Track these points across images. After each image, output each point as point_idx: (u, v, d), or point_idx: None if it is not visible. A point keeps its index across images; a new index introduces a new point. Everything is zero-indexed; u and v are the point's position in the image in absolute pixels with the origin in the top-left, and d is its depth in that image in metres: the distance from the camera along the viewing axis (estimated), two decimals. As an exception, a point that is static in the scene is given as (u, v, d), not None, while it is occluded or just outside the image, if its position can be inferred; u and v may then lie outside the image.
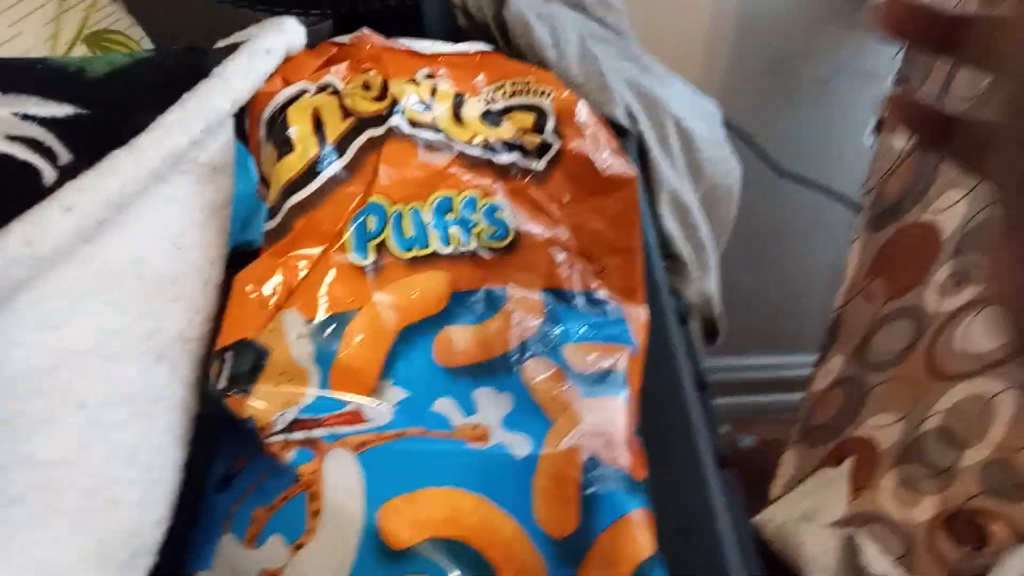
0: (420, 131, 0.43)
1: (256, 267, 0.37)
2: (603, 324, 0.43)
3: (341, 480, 0.33)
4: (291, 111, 0.41)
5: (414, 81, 0.45)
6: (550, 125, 0.48)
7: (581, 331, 0.42)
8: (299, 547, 0.32)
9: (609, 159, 0.48)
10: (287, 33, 0.40)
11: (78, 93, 0.33)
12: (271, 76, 0.41)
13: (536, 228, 0.45)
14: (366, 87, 0.44)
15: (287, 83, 0.42)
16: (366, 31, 0.47)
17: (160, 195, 0.34)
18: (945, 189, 0.88)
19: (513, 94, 0.50)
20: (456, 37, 0.70)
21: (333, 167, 0.40)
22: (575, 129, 0.48)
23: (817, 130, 1.12)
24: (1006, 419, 1.10)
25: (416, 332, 0.39)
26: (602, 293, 0.45)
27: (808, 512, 1.12)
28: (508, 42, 0.71)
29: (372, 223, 0.40)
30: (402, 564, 0.32)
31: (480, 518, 0.34)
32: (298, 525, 0.32)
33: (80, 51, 0.48)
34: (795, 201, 1.16)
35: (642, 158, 0.69)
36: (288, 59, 0.43)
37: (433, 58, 0.49)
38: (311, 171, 0.40)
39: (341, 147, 0.41)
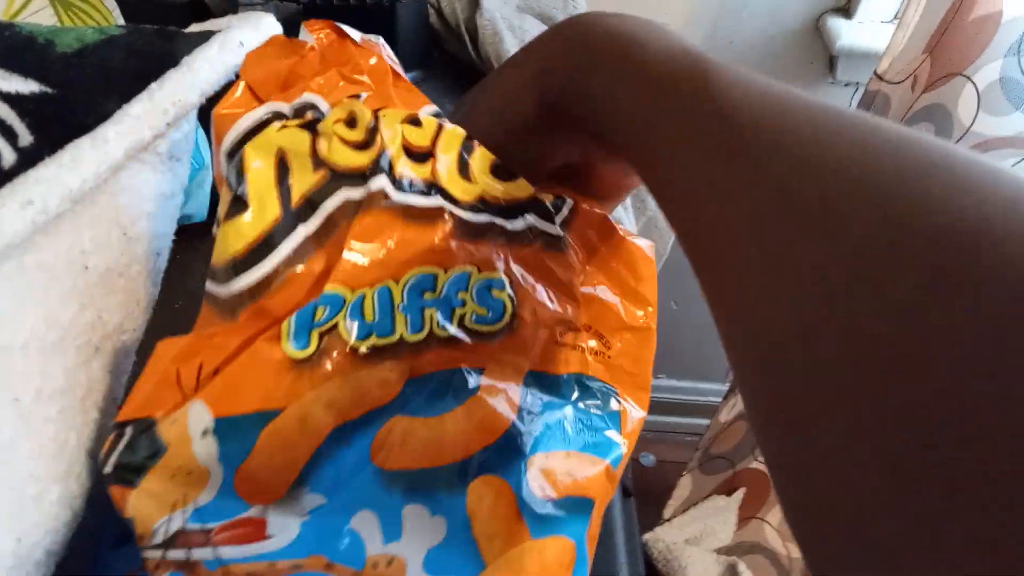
0: (411, 196, 0.32)
1: (182, 342, 0.30)
2: (588, 424, 0.35)
3: None
4: (250, 151, 0.31)
5: (415, 121, 0.34)
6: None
7: (557, 436, 0.34)
8: None
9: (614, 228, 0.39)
10: (263, 30, 0.39)
11: (45, 69, 0.31)
12: (236, 86, 0.33)
13: (544, 305, 0.36)
14: (350, 123, 0.33)
15: (256, 96, 0.33)
16: (372, 37, 0.39)
17: (115, 184, 0.33)
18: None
19: None
20: (428, 38, 0.70)
21: (294, 239, 0.31)
22: None
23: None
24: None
25: (354, 428, 0.31)
26: (599, 381, 0.37)
27: (696, 536, 1.16)
28: (477, 48, 0.72)
29: (321, 313, 0.31)
30: None
31: None
32: None
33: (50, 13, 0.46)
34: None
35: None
36: (260, 55, 0.35)
37: None
38: (266, 243, 0.30)
39: (307, 210, 0.31)
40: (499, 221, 0.34)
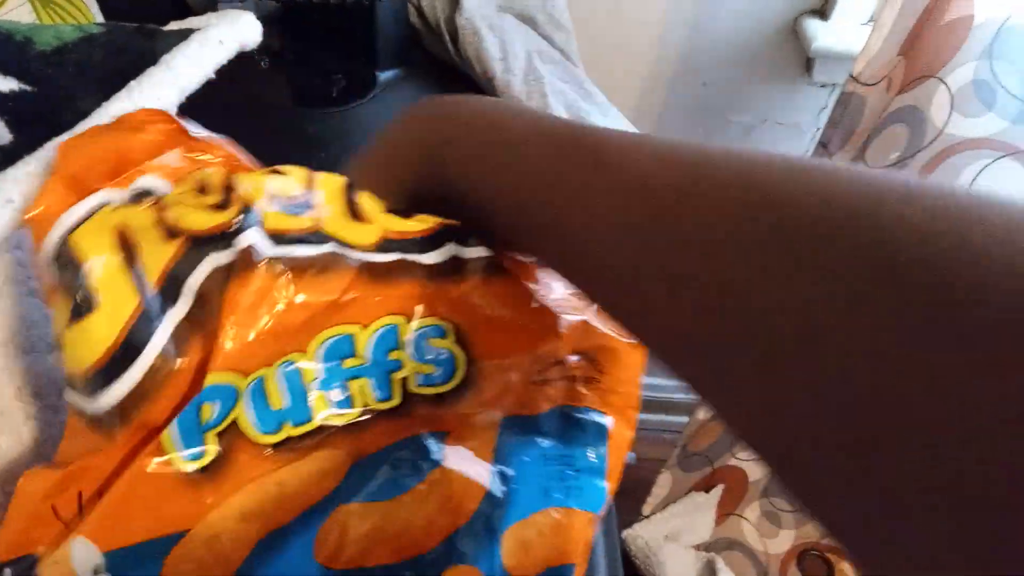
0: (293, 247, 0.26)
1: (52, 476, 0.25)
2: (573, 466, 0.30)
3: None
4: (80, 240, 0.25)
5: (276, 170, 0.29)
6: None
7: (537, 493, 0.29)
8: None
9: None
10: (242, 28, 0.39)
11: (24, 67, 0.32)
12: (53, 183, 0.27)
13: (508, 343, 0.30)
14: (201, 190, 0.27)
15: (75, 190, 0.27)
16: (217, 137, 0.33)
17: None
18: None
19: None
20: (408, 37, 0.70)
21: (164, 329, 0.24)
22: None
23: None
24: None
25: (291, 529, 0.26)
26: (588, 410, 0.32)
27: (674, 532, 1.17)
28: (457, 47, 0.72)
29: (209, 411, 0.25)
30: None
31: None
32: None
33: (28, 10, 0.46)
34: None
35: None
36: (75, 144, 0.28)
37: None
38: (129, 343, 0.24)
39: (171, 290, 0.25)
40: (412, 257, 0.28)
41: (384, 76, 0.65)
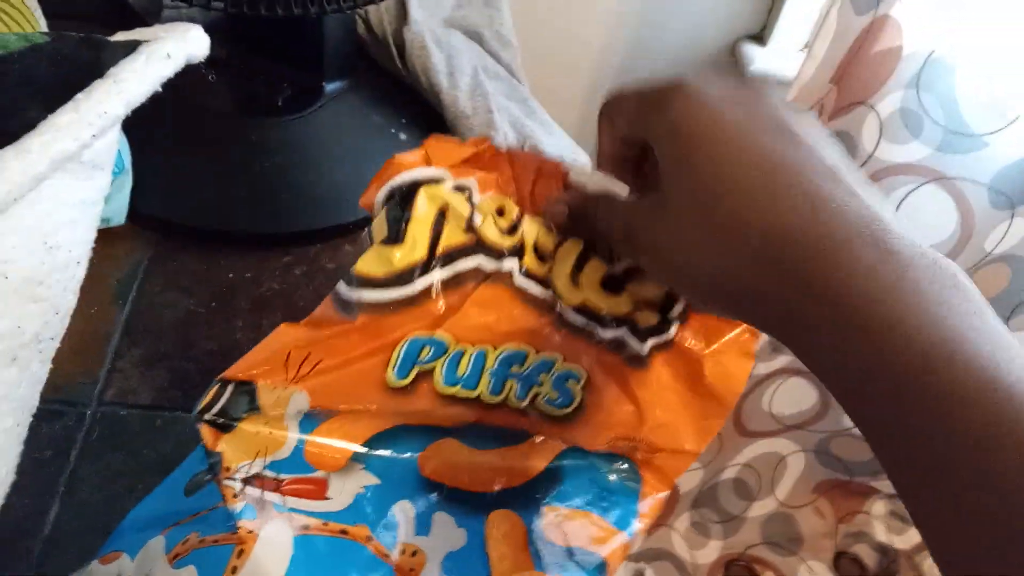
0: (531, 284, 0.38)
1: (306, 328, 0.36)
2: (611, 491, 0.40)
3: (271, 553, 0.33)
4: (425, 194, 0.36)
5: (548, 227, 0.39)
6: (679, 308, 0.39)
7: (580, 499, 0.39)
8: None
9: (718, 373, 0.40)
10: (190, 42, 0.39)
11: (-33, 76, 0.31)
12: (415, 150, 0.38)
13: (610, 412, 0.40)
14: (500, 212, 0.38)
15: (428, 162, 0.38)
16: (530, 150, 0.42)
17: (37, 192, 0.33)
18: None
19: None
20: (355, 48, 0.70)
21: (426, 280, 0.36)
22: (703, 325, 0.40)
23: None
24: (793, 478, 1.20)
25: (417, 431, 0.38)
26: (633, 466, 0.41)
27: (607, 542, 1.18)
28: (404, 60, 0.72)
29: (427, 352, 0.37)
30: None
31: None
32: (216, 570, 0.32)
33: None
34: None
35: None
36: (436, 141, 0.39)
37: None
38: (404, 277, 0.36)
39: (447, 260, 0.37)
40: (594, 327, 0.39)
41: (331, 87, 0.65)
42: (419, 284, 0.36)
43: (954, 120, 0.80)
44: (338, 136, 0.64)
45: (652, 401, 0.40)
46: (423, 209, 0.36)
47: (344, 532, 0.35)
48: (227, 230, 0.58)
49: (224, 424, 0.35)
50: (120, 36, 0.39)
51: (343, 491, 0.36)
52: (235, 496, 0.34)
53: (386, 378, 0.36)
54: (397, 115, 0.70)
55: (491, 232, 0.38)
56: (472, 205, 0.37)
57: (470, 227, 0.37)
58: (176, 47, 0.39)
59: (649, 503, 0.40)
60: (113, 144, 0.38)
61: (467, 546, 0.37)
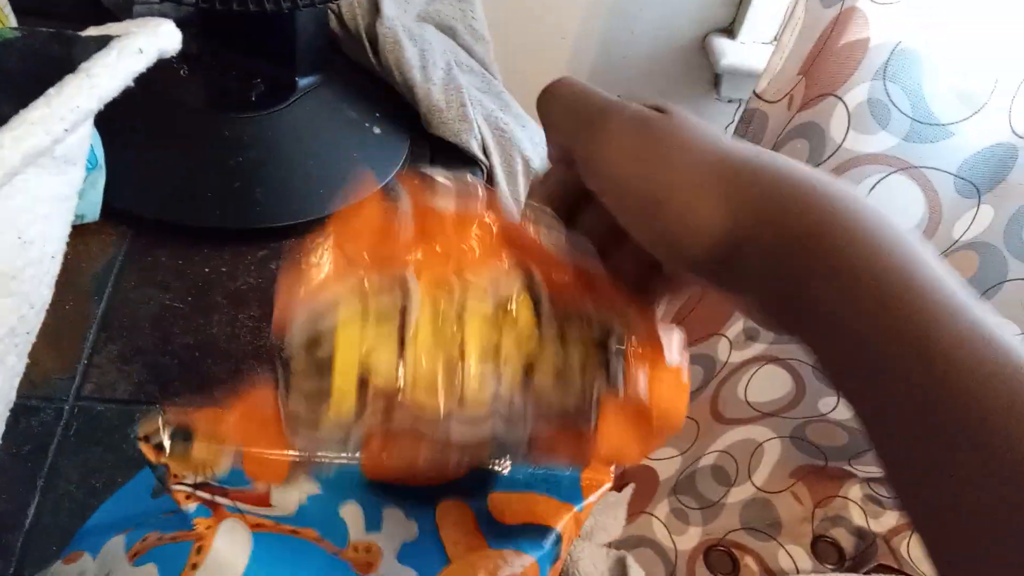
0: (465, 429, 0.34)
1: (247, 423, 0.34)
2: (555, 478, 0.40)
3: (229, 547, 0.34)
4: (344, 360, 0.31)
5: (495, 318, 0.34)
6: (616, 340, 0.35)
7: (520, 483, 0.39)
8: None
9: (662, 412, 0.36)
10: (162, 37, 0.39)
11: (-62, 73, 0.31)
12: (324, 241, 0.32)
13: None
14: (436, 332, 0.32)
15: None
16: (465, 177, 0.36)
17: (10, 187, 0.33)
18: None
19: None
20: (327, 43, 0.70)
21: (357, 432, 0.32)
22: None
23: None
24: (771, 464, 1.22)
25: None
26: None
27: (587, 531, 1.20)
28: (377, 54, 0.73)
29: None
30: None
31: None
32: (176, 568, 0.33)
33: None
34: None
35: (488, 190, 0.73)
36: (344, 223, 0.34)
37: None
38: (336, 434, 0.32)
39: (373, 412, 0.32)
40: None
41: (304, 82, 0.65)
42: (352, 440, 0.32)
43: (920, 110, 0.82)
44: (312, 131, 0.65)
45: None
46: (342, 388, 0.31)
47: (295, 532, 0.36)
48: (201, 225, 0.58)
49: (162, 449, 0.35)
50: (91, 31, 0.39)
51: (286, 501, 0.37)
52: (187, 498, 0.35)
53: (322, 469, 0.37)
54: (371, 110, 0.70)
55: (422, 393, 0.32)
56: (400, 347, 0.31)
57: (398, 390, 0.32)
58: (148, 42, 0.39)
59: (592, 491, 0.40)
60: (86, 139, 0.38)
61: (420, 536, 0.37)
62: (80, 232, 0.57)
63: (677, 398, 0.36)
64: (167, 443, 0.35)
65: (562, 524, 0.39)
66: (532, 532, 0.38)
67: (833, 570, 1.25)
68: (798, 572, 1.24)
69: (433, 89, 0.71)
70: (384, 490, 0.38)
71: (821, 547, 1.26)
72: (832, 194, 0.26)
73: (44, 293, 0.37)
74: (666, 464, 1.21)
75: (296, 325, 0.31)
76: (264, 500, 0.36)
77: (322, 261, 0.33)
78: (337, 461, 0.36)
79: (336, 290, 0.32)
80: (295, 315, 0.31)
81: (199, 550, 0.33)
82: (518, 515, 0.38)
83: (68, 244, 0.39)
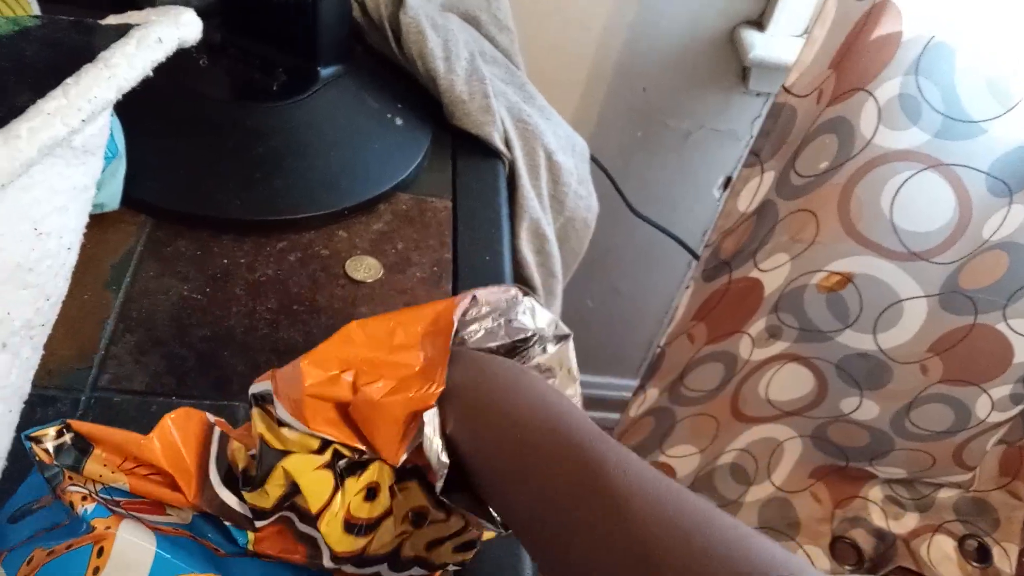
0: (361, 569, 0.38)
1: (156, 456, 0.35)
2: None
3: (133, 546, 0.32)
4: (276, 473, 0.34)
5: (422, 516, 0.38)
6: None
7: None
8: None
9: None
10: (182, 26, 0.39)
11: (-45, 61, 0.31)
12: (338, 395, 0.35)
13: None
14: (370, 493, 0.36)
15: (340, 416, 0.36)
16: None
17: (26, 177, 0.33)
18: (773, 252, 0.95)
19: None
20: (350, 32, 0.70)
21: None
22: None
23: (672, 177, 1.19)
24: (790, 464, 1.21)
25: None
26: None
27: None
28: (400, 44, 0.72)
29: None
30: None
31: None
32: None
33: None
34: (642, 239, 1.23)
35: (510, 183, 0.72)
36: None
37: None
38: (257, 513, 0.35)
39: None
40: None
41: (326, 72, 0.65)
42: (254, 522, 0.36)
43: (953, 106, 0.80)
44: (333, 122, 0.64)
45: None
46: (277, 483, 0.35)
47: (194, 539, 0.35)
48: (221, 216, 0.58)
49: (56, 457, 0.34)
50: (111, 20, 0.39)
51: (181, 512, 0.35)
52: (84, 499, 0.33)
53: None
54: (393, 100, 0.70)
55: (335, 534, 0.35)
56: (337, 485, 0.35)
57: (315, 522, 0.35)
58: (168, 31, 0.38)
59: None
60: (104, 129, 0.38)
61: None
62: (99, 222, 0.56)
63: None
64: (63, 453, 0.34)
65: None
66: None
67: (852, 571, 1.23)
68: (816, 572, 1.23)
69: (456, 80, 0.70)
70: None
71: (840, 548, 1.24)
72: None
73: (60, 285, 0.36)
74: (684, 462, 1.20)
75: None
76: (159, 510, 0.35)
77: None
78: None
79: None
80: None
81: (100, 552, 0.31)
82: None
83: (87, 234, 0.39)
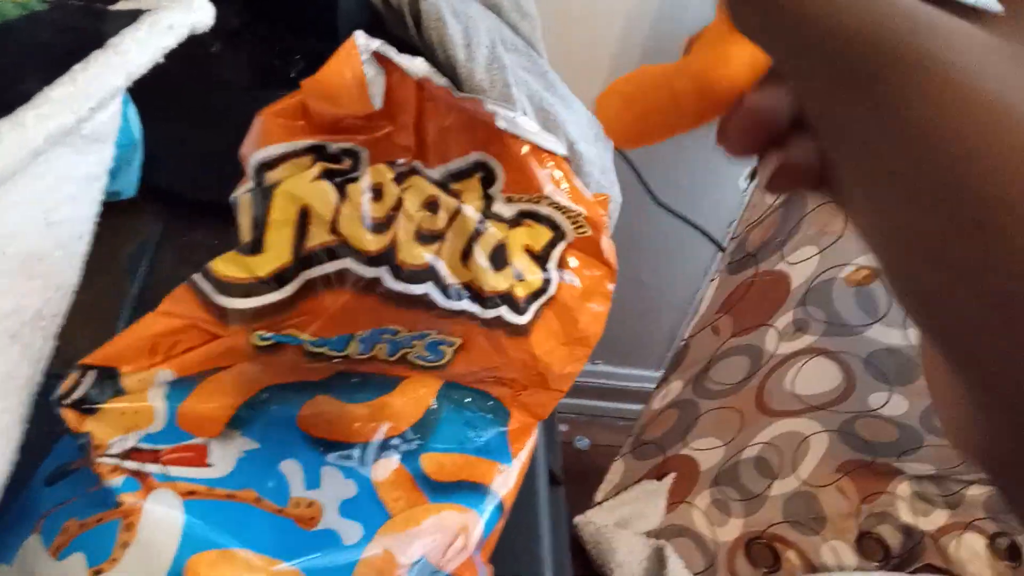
0: (404, 285, 0.38)
1: (171, 318, 0.36)
2: (480, 431, 0.41)
3: (161, 520, 0.33)
4: (283, 196, 0.36)
5: (434, 206, 0.39)
6: (557, 253, 0.41)
7: (450, 442, 0.40)
8: (98, 573, 0.31)
9: (588, 319, 0.43)
10: (194, 12, 0.38)
11: (-37, 47, 0.30)
12: (293, 106, 0.38)
13: (479, 363, 0.41)
14: (376, 194, 0.37)
15: (303, 117, 0.37)
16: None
17: (36, 166, 0.32)
18: (801, 245, 0.94)
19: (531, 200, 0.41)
20: (370, 20, 0.69)
21: (294, 285, 0.37)
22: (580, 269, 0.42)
23: (697, 168, 1.17)
24: (816, 458, 1.19)
25: (288, 389, 0.38)
26: (496, 403, 0.43)
27: (625, 519, 1.18)
28: (420, 31, 0.71)
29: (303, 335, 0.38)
30: None
31: None
32: (104, 551, 0.32)
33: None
34: (666, 230, 1.21)
35: (531, 173, 0.71)
36: (314, 85, 0.38)
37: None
38: (269, 284, 0.36)
39: (314, 260, 0.37)
40: (475, 310, 0.39)
41: (345, 59, 0.64)
42: (287, 290, 0.37)
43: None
44: (352, 109, 0.63)
45: (527, 353, 0.41)
46: (282, 213, 0.36)
47: (231, 496, 0.35)
48: (240, 204, 0.57)
49: (88, 408, 0.35)
50: (121, 5, 0.38)
51: (224, 457, 0.36)
52: (112, 472, 0.34)
53: (250, 340, 0.37)
54: (413, 88, 0.69)
55: (357, 236, 0.37)
56: (341, 195, 0.36)
57: (335, 231, 0.37)
58: (179, 17, 0.38)
59: (520, 437, 0.43)
60: (115, 116, 0.37)
61: (359, 493, 0.38)
62: (116, 209, 0.56)
63: (600, 310, 0.42)
64: (93, 392, 0.34)
65: (496, 482, 0.41)
66: (468, 488, 0.40)
67: (878, 567, 1.22)
68: (841, 568, 1.22)
69: (476, 68, 0.69)
70: (323, 447, 0.39)
71: (866, 543, 1.23)
72: None
73: (71, 275, 0.36)
74: (708, 454, 1.19)
75: (252, 156, 0.38)
76: (202, 457, 0.36)
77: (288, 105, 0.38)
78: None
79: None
80: (254, 144, 0.38)
81: (128, 527, 0.32)
82: (452, 474, 0.40)
83: (103, 221, 0.39)
